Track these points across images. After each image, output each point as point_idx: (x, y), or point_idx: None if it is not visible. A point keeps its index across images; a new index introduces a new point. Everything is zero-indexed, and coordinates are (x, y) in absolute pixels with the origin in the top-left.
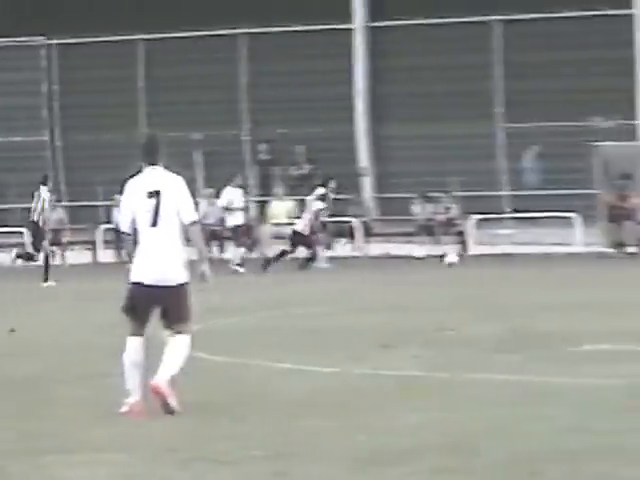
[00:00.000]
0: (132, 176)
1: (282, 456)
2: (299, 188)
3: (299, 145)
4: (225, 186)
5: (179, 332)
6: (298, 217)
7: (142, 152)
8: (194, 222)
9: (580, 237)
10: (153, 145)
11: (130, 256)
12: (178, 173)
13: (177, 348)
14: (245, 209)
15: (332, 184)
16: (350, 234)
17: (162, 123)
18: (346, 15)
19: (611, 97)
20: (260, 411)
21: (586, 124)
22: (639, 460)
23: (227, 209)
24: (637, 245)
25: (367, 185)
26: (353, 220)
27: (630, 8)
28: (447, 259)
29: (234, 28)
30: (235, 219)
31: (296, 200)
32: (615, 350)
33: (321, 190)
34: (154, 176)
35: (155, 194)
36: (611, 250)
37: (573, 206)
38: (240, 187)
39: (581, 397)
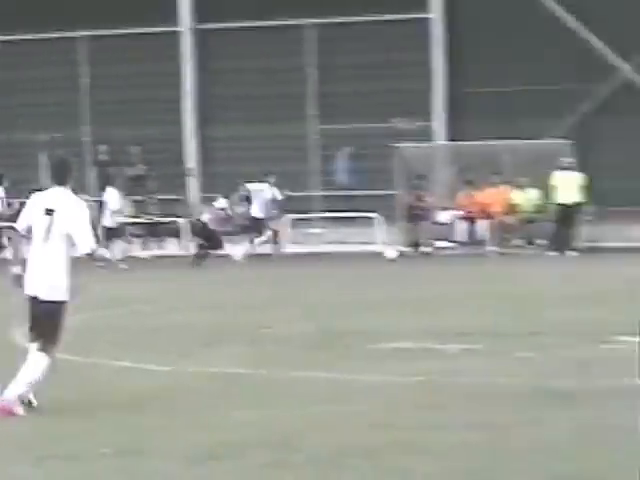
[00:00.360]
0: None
1: (129, 453)
2: (135, 188)
3: (135, 146)
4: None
5: (40, 350)
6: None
7: (51, 173)
8: (89, 254)
9: (381, 237)
10: (62, 168)
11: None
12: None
13: (31, 367)
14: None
15: (272, 179)
16: (176, 234)
17: (6, 125)
18: (173, 18)
19: (410, 99)
20: (107, 409)
21: (390, 125)
22: (439, 455)
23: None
24: (431, 245)
25: (193, 185)
26: (179, 220)
27: (428, 13)
28: (386, 254)
29: (74, 30)
30: (114, 220)
31: (134, 200)
32: (415, 348)
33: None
34: (55, 195)
35: (50, 212)
36: (408, 249)
37: (379, 206)
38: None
39: (386, 394)
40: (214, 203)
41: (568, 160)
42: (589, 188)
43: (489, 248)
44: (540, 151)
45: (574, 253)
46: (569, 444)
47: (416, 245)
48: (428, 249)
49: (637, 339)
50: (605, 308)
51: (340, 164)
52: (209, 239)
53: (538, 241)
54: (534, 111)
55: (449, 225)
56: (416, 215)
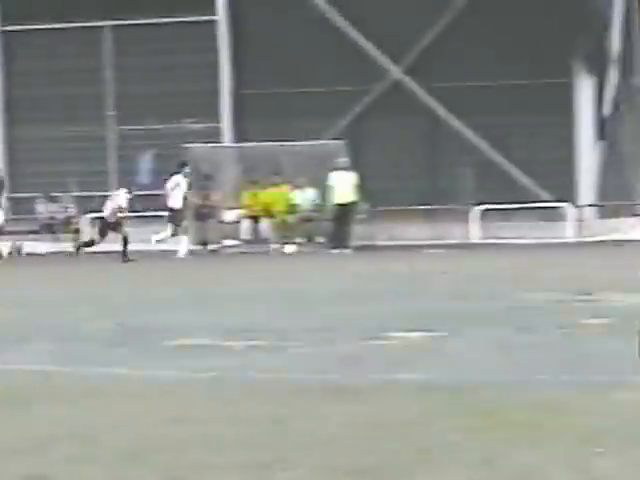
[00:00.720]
0: None
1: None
2: None
3: None
4: None
5: None
6: None
7: None
8: None
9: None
10: None
11: None
12: None
13: None
14: None
15: (187, 169)
16: None
17: None
18: None
19: (198, 100)
20: None
21: (181, 126)
22: (232, 448)
23: None
24: (219, 243)
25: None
26: None
27: (214, 15)
28: (285, 249)
29: None
30: None
31: None
32: (206, 344)
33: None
34: None
35: None
36: (198, 247)
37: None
38: None
39: (180, 389)
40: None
41: (343, 160)
42: (362, 187)
43: (273, 246)
44: (317, 152)
45: (349, 251)
46: (346, 436)
47: (205, 243)
48: (215, 247)
49: (408, 334)
50: (377, 304)
51: (142, 164)
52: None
53: (317, 239)
54: (311, 112)
55: (235, 224)
56: (204, 214)
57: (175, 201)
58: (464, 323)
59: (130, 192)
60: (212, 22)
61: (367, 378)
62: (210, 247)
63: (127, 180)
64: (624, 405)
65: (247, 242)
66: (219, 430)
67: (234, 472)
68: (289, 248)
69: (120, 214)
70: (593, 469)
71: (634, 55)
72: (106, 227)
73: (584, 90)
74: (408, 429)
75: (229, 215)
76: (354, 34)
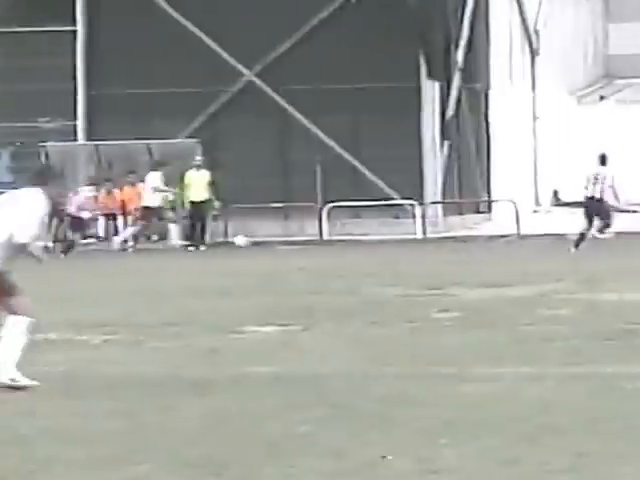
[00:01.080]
0: None
1: None
2: None
3: None
4: None
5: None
6: None
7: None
8: None
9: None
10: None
11: None
12: None
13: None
14: None
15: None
16: None
17: None
18: None
19: (58, 100)
20: None
21: (39, 125)
22: (83, 442)
23: None
24: (77, 240)
25: None
26: None
27: (72, 22)
28: (236, 241)
29: None
30: None
31: None
32: (62, 339)
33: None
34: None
35: None
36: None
37: None
38: None
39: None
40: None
41: (198, 159)
42: (216, 186)
43: (129, 243)
44: (173, 150)
45: (204, 248)
46: (199, 429)
47: (63, 241)
48: (70, 242)
49: (263, 328)
50: (234, 299)
51: (2, 162)
52: None
53: (173, 236)
54: (166, 112)
55: (93, 222)
56: (62, 212)
57: (150, 199)
58: (318, 317)
59: None
60: (71, 31)
61: (222, 372)
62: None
63: None
64: (470, 397)
65: (104, 240)
66: (69, 424)
67: (84, 466)
68: (239, 240)
69: None
70: (437, 459)
71: (477, 63)
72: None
73: (429, 93)
74: (260, 421)
75: (87, 213)
76: (207, 40)
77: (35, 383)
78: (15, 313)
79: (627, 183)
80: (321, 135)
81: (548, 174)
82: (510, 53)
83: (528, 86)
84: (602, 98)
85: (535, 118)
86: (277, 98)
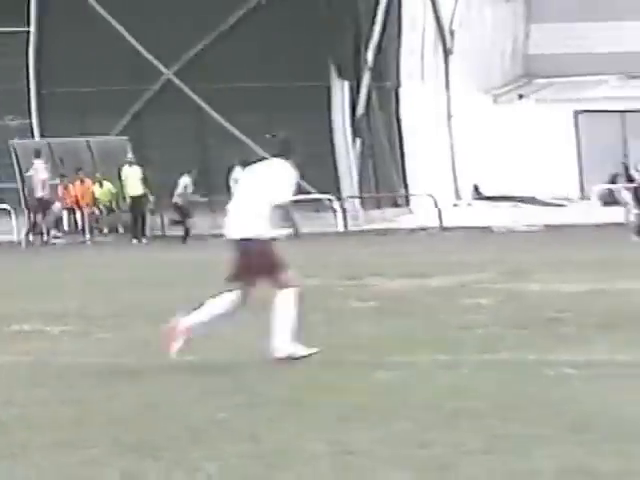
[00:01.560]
0: None
1: None
2: None
3: None
4: None
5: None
6: None
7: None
8: None
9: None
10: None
11: None
12: None
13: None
14: None
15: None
16: None
17: None
18: None
19: (16, 99)
20: None
21: (5, 123)
22: (50, 428)
23: None
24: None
25: None
26: None
27: (26, 24)
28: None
29: None
30: None
31: None
32: (25, 330)
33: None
34: None
35: None
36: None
37: (9, 199)
38: None
39: (7, 372)
40: None
41: (130, 156)
42: (148, 181)
43: (86, 237)
44: (109, 147)
45: (146, 240)
46: (133, 417)
47: (40, 233)
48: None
49: None
50: (171, 291)
51: None
52: None
53: (119, 230)
54: (101, 110)
55: (59, 216)
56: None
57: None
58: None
59: None
60: (24, 31)
61: (154, 361)
62: (31, 238)
63: None
64: (382, 383)
65: (66, 233)
66: (37, 412)
67: (51, 450)
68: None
69: None
70: (350, 442)
71: (387, 62)
72: None
73: (339, 92)
74: (185, 408)
75: (56, 207)
76: (131, 39)
77: (314, 350)
78: (283, 287)
79: (548, 179)
80: (237, 133)
81: (468, 169)
82: (422, 52)
83: (442, 85)
84: (521, 97)
85: (450, 116)
86: (194, 97)
